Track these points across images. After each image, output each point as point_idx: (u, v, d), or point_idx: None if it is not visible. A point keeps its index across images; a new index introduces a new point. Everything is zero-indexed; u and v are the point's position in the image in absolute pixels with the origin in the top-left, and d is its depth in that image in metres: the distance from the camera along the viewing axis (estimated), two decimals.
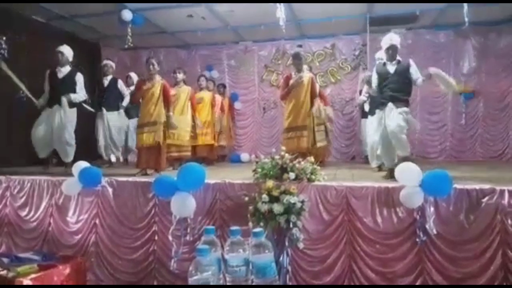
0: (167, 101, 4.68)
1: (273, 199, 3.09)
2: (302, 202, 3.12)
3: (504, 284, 2.92)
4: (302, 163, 3.47)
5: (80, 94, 5.02)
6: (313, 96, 5.09)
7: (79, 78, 5.03)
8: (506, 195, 2.98)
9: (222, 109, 7.09)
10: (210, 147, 6.53)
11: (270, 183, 3.19)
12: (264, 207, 3.06)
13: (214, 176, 3.87)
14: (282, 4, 5.05)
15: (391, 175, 3.72)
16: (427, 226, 3.03)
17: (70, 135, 4.92)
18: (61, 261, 3.46)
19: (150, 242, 3.71)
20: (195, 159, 5.61)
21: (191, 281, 1.63)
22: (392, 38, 4.06)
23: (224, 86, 7.70)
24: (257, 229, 1.85)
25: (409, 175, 3.10)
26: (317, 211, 3.32)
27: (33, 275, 3.11)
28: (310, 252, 3.27)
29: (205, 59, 8.34)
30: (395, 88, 3.94)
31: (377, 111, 4.17)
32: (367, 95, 5.47)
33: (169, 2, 5.65)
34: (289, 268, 3.19)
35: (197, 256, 1.65)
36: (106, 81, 5.93)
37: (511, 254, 2.93)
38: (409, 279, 3.10)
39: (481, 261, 2.98)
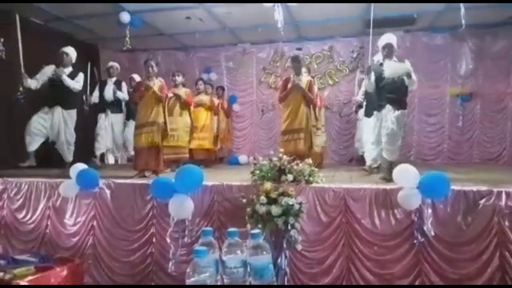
0: (160, 98, 4.61)
1: (271, 201, 3.09)
2: (300, 204, 3.13)
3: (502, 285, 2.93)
4: (300, 165, 3.47)
5: (75, 84, 4.97)
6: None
7: (80, 77, 5.05)
8: (503, 196, 3.00)
9: (216, 111, 7.07)
10: (208, 150, 6.53)
11: (268, 185, 3.20)
12: (262, 209, 3.06)
13: (212, 178, 3.87)
14: (280, 6, 5.06)
15: (387, 177, 3.72)
16: (424, 228, 3.04)
17: (71, 135, 4.93)
18: (58, 263, 3.44)
19: (148, 244, 3.71)
20: (193, 161, 5.60)
21: (189, 282, 1.62)
22: (388, 37, 4.07)
23: (222, 88, 7.70)
24: (255, 231, 1.85)
25: (406, 177, 3.11)
26: (315, 213, 3.32)
27: (30, 277, 3.09)
28: (308, 254, 3.27)
29: (203, 61, 8.35)
30: (391, 90, 3.93)
31: (375, 113, 4.15)
32: (363, 96, 5.48)
33: (167, 2, 5.64)
34: (287, 270, 3.19)
35: (194, 257, 1.64)
36: (111, 82, 5.94)
37: (508, 255, 2.94)
38: (407, 280, 3.10)
39: (479, 263, 2.99)
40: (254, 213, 3.10)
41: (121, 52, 7.78)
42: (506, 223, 2.97)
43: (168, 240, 3.42)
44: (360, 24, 6.82)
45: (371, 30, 4.36)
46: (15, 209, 4.17)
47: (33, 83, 4.84)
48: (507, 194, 3.00)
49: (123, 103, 6.09)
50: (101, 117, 5.90)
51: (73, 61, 5.05)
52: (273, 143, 7.52)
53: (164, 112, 4.73)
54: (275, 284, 1.83)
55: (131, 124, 6.08)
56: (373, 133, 4.17)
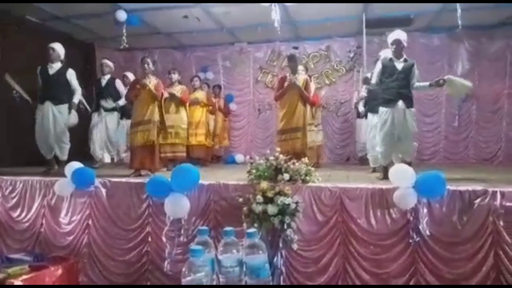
0: (155, 95, 4.61)
1: (268, 200, 3.09)
2: (296, 203, 3.13)
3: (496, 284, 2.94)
4: (297, 164, 3.47)
5: (78, 92, 4.98)
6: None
7: (71, 73, 4.98)
8: (498, 196, 3.01)
9: (213, 110, 7.06)
10: (205, 148, 6.52)
11: (264, 184, 3.19)
12: (258, 208, 3.05)
13: (209, 177, 3.86)
14: (277, 5, 5.06)
15: (385, 176, 3.73)
16: (420, 227, 3.05)
17: (62, 132, 4.88)
18: (53, 262, 3.43)
19: (143, 243, 3.69)
20: (190, 160, 5.60)
21: (184, 282, 1.62)
22: (397, 33, 4.08)
23: (219, 87, 7.69)
24: (251, 230, 1.84)
25: (402, 176, 3.11)
26: (311, 212, 3.32)
27: (24, 276, 3.08)
28: (304, 253, 3.27)
29: (200, 60, 8.33)
30: (403, 85, 3.96)
31: (382, 108, 4.11)
32: (365, 92, 5.48)
33: (164, 2, 5.62)
34: (283, 269, 3.20)
35: (190, 257, 1.64)
36: (104, 80, 5.91)
37: (503, 255, 2.95)
38: (402, 280, 3.11)
39: (474, 262, 3.00)
40: (250, 212, 3.10)
41: (118, 51, 7.74)
42: (501, 222, 2.98)
43: (164, 239, 3.41)
44: (356, 24, 6.83)
45: (364, 27, 4.38)
46: (9, 208, 4.15)
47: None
48: (502, 194, 3.01)
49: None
50: (95, 116, 5.87)
51: (61, 57, 4.99)
52: (270, 143, 7.52)
53: (160, 110, 4.72)
54: (271, 283, 1.83)
55: (125, 123, 6.08)
56: (380, 131, 4.11)
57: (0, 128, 5.75)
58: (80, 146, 5.84)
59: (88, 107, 5.80)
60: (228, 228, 1.83)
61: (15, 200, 4.15)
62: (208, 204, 3.56)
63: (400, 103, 3.93)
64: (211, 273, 1.74)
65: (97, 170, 4.43)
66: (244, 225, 3.07)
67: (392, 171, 3.20)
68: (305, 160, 3.59)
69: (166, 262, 3.36)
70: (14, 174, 4.36)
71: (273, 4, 5.07)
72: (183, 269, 1.63)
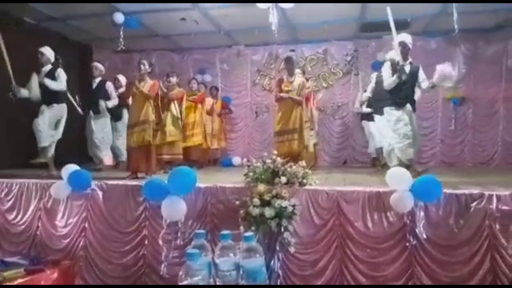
0: (148, 95, 4.61)
1: (265, 203, 3.09)
2: (293, 206, 3.13)
3: None
4: (294, 167, 3.48)
5: (59, 84, 4.97)
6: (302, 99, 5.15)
7: (59, 72, 5.01)
8: (495, 200, 3.02)
9: (210, 112, 7.08)
10: (202, 150, 6.51)
11: (261, 187, 3.19)
12: (255, 211, 3.05)
13: (206, 179, 3.86)
14: (275, 8, 5.08)
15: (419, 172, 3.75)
16: (417, 231, 3.06)
17: (44, 123, 4.89)
18: (49, 266, 3.41)
19: (140, 246, 3.68)
20: (186, 162, 5.59)
21: None
22: (402, 36, 4.14)
23: (216, 89, 7.70)
24: (248, 233, 1.84)
25: (399, 179, 3.12)
26: (308, 215, 3.32)
27: (19, 280, 3.07)
28: (301, 256, 3.27)
29: (197, 63, 8.33)
30: (410, 89, 4.01)
31: (389, 108, 4.13)
32: (370, 93, 5.50)
33: (162, 2, 5.61)
34: (280, 272, 3.19)
35: (187, 260, 1.63)
36: (95, 83, 5.90)
37: (499, 258, 2.96)
38: (399, 283, 3.11)
39: (470, 265, 3.01)
40: (248, 215, 3.10)
41: (115, 52, 7.74)
42: (497, 226, 2.99)
43: (160, 242, 3.41)
44: (354, 28, 6.87)
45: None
46: (5, 210, 4.12)
47: (25, 93, 4.91)
48: (498, 197, 3.02)
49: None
50: (88, 120, 5.87)
51: (51, 60, 5.06)
52: (267, 145, 7.51)
53: (158, 111, 4.73)
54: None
55: (119, 126, 6.06)
56: (393, 130, 4.14)
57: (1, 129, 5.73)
58: (79, 149, 5.83)
59: (79, 109, 5.79)
60: (225, 232, 1.82)
61: (10, 202, 4.12)
62: (205, 207, 3.55)
63: (408, 106, 3.97)
64: (208, 277, 1.73)
65: (93, 173, 4.42)
66: (241, 228, 3.06)
67: (389, 175, 3.21)
68: (302, 163, 3.59)
69: (162, 265, 3.35)
70: (10, 176, 4.34)
71: (270, 7, 5.09)
72: (180, 273, 1.62)
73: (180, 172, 3.35)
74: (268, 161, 3.47)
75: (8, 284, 2.99)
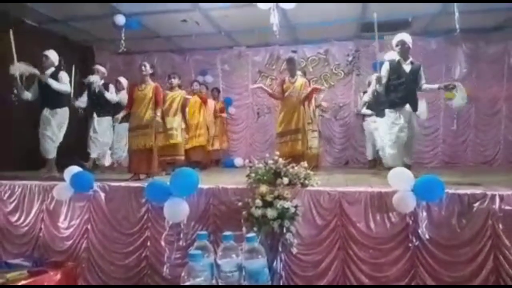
0: (157, 102, 4.67)
1: (267, 204, 3.08)
2: (296, 207, 3.13)
3: None
4: (296, 168, 3.47)
5: (62, 85, 4.97)
6: (305, 99, 5.16)
7: (62, 74, 5.03)
8: (497, 199, 3.01)
9: (215, 114, 7.10)
10: (204, 151, 6.52)
11: (263, 188, 3.19)
12: (257, 212, 3.05)
13: (208, 181, 3.86)
14: (275, 9, 5.08)
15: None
16: (419, 231, 3.05)
17: (52, 131, 4.92)
18: (52, 267, 3.42)
19: (142, 247, 3.68)
20: (188, 163, 5.59)
21: None
22: (401, 35, 4.12)
23: (218, 90, 7.72)
24: (250, 234, 1.84)
25: (401, 180, 3.12)
26: (311, 216, 3.32)
27: (23, 282, 3.07)
28: (303, 257, 3.26)
29: (199, 64, 8.35)
30: (411, 89, 3.95)
31: (388, 110, 4.10)
32: (368, 97, 5.48)
33: (162, 2, 5.62)
34: (282, 273, 3.19)
35: (189, 261, 1.64)
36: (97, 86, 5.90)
37: (502, 258, 2.95)
38: (402, 283, 3.10)
39: (473, 266, 3.00)
40: (250, 216, 3.09)
41: (116, 54, 7.76)
42: (500, 226, 2.98)
43: (163, 243, 3.40)
44: (355, 28, 6.87)
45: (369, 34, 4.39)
46: (8, 212, 4.13)
47: (29, 95, 4.96)
48: (501, 197, 3.01)
49: (110, 107, 6.04)
50: (90, 121, 5.87)
51: (55, 63, 5.08)
52: (269, 146, 7.52)
53: (161, 113, 4.74)
54: None
55: (120, 128, 6.07)
56: (390, 132, 4.08)
57: (2, 131, 5.74)
58: (79, 149, 5.83)
59: (80, 104, 5.81)
60: (227, 233, 1.83)
61: (13, 204, 4.13)
62: (207, 208, 3.55)
63: (407, 106, 3.94)
64: (210, 278, 1.74)
65: (96, 174, 4.43)
66: (244, 229, 3.06)
67: (391, 175, 3.20)
68: (304, 164, 3.59)
69: (165, 267, 3.34)
70: (12, 178, 4.35)
71: (271, 7, 5.10)
72: (182, 274, 1.62)
73: (182, 174, 3.35)
74: (270, 162, 3.47)
75: (11, 285, 2.99)
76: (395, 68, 4.07)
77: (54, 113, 4.97)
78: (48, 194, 3.99)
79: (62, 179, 3.82)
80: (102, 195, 3.83)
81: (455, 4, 5.16)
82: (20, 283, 3.03)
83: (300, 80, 5.16)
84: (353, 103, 7.52)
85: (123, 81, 6.33)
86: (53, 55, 5.04)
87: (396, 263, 3.13)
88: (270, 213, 3.03)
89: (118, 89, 6.20)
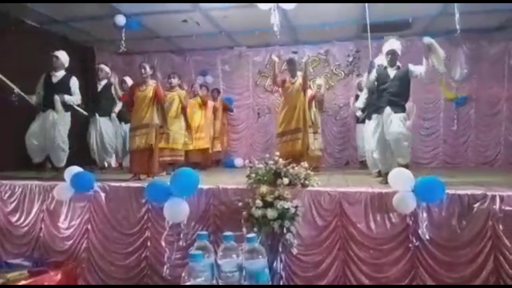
0: (159, 99, 4.67)
1: (267, 205, 3.09)
2: (296, 207, 3.13)
3: None
4: (296, 168, 3.47)
5: (75, 97, 4.94)
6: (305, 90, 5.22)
7: (74, 82, 4.94)
8: (498, 200, 3.01)
9: (214, 114, 7.10)
10: (204, 152, 6.52)
11: (264, 188, 3.20)
12: (258, 213, 3.05)
13: (208, 181, 3.86)
14: (276, 9, 5.09)
15: (387, 180, 3.74)
16: (419, 232, 3.06)
17: (63, 140, 4.80)
18: (52, 267, 3.42)
19: (142, 247, 3.68)
20: (189, 164, 5.59)
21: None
22: (392, 44, 4.14)
23: (218, 91, 7.71)
24: (251, 235, 1.84)
25: (401, 180, 3.12)
26: (311, 217, 3.32)
27: (23, 282, 3.07)
28: (303, 257, 3.27)
29: (199, 64, 8.34)
30: (394, 93, 4.00)
31: (374, 115, 4.18)
32: (364, 101, 5.51)
33: (162, 2, 5.62)
34: (283, 273, 3.19)
35: (190, 262, 1.63)
36: (100, 85, 5.90)
37: (502, 259, 2.95)
38: (402, 284, 3.10)
39: (473, 266, 3.00)
40: (250, 216, 3.10)
41: (117, 54, 7.76)
42: (500, 226, 2.98)
43: (163, 243, 3.41)
44: (356, 28, 6.87)
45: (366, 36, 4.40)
46: (8, 212, 4.13)
47: (35, 98, 4.87)
48: (501, 198, 3.01)
49: (114, 107, 6.05)
50: (91, 122, 5.86)
51: (66, 64, 4.98)
52: (269, 146, 7.52)
53: (162, 113, 4.74)
54: None
55: (126, 128, 6.08)
56: (372, 137, 4.19)
57: (3, 131, 5.74)
58: (82, 151, 5.84)
59: (84, 112, 5.79)
60: (227, 233, 1.82)
61: (14, 204, 4.14)
62: (208, 208, 3.55)
63: (388, 109, 3.97)
64: (211, 278, 1.73)
65: (97, 175, 4.43)
66: (244, 229, 3.06)
67: (391, 175, 3.21)
68: (305, 164, 3.59)
69: (165, 267, 3.35)
70: (13, 178, 4.35)
71: (272, 8, 5.10)
72: (183, 274, 1.62)
73: (182, 174, 3.35)
74: (270, 162, 3.48)
75: (12, 285, 2.99)
76: (381, 74, 4.15)
77: (61, 117, 4.82)
78: (49, 194, 4.00)
79: (63, 179, 3.82)
80: (103, 195, 3.83)
81: (456, 4, 5.15)
82: (20, 283, 3.03)
83: (298, 80, 5.20)
84: (352, 103, 7.52)
85: (129, 81, 6.33)
86: (63, 56, 4.95)
87: (396, 264, 3.13)
88: (271, 213, 3.03)
89: (124, 89, 6.20)
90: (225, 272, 1.72)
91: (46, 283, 3.22)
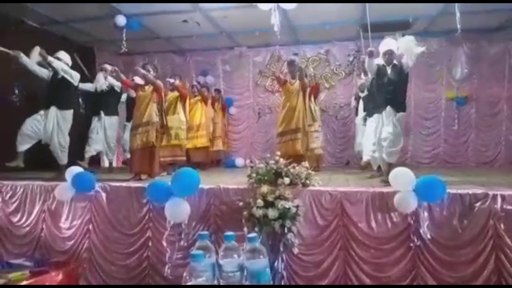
0: (159, 97, 4.69)
1: (268, 204, 3.09)
2: (297, 207, 3.13)
3: None
4: (297, 168, 3.47)
5: (72, 73, 4.89)
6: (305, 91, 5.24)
7: (74, 72, 4.95)
8: (499, 199, 3.01)
9: (213, 105, 7.10)
10: (205, 152, 6.52)
11: (265, 188, 3.20)
12: (259, 212, 3.06)
13: (209, 181, 3.86)
14: (276, 9, 5.09)
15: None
16: (421, 231, 3.05)
17: (64, 138, 4.82)
18: (53, 267, 3.43)
19: (144, 247, 3.69)
20: (189, 164, 5.59)
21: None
22: (388, 43, 4.16)
23: (219, 91, 7.72)
24: (252, 235, 1.84)
25: (403, 180, 3.12)
26: (312, 216, 3.32)
27: (25, 282, 3.08)
28: (304, 257, 3.27)
29: (199, 64, 8.35)
30: (392, 91, 4.01)
31: (375, 115, 4.21)
32: (362, 95, 5.54)
33: (162, 2, 5.62)
34: (284, 273, 3.19)
35: (191, 261, 1.63)
36: (105, 85, 5.90)
37: (504, 258, 2.95)
38: (403, 284, 3.10)
39: (475, 266, 3.00)
40: (251, 216, 3.10)
41: (117, 55, 7.76)
42: (502, 226, 2.98)
43: (164, 243, 3.41)
44: (356, 28, 6.85)
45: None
46: (9, 213, 4.14)
47: (46, 72, 4.80)
48: (503, 197, 3.01)
49: (119, 106, 6.05)
50: (95, 119, 5.84)
51: (69, 64, 5.01)
52: (270, 146, 7.52)
53: (161, 112, 4.75)
54: None
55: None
56: (374, 135, 4.21)
57: (3, 131, 5.75)
58: (81, 150, 5.83)
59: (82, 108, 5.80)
60: (228, 233, 1.82)
61: (15, 205, 4.14)
62: (209, 208, 3.55)
63: (389, 108, 3.98)
64: (212, 278, 1.73)
65: (98, 174, 4.43)
66: (245, 229, 3.06)
67: (392, 175, 3.20)
68: (305, 163, 3.60)
69: (166, 267, 3.35)
70: (14, 178, 4.36)
71: (272, 8, 5.10)
72: (184, 274, 1.62)
73: (183, 174, 3.36)
74: (271, 162, 3.48)
75: (13, 285, 3.00)
76: (380, 73, 4.17)
77: (64, 114, 4.82)
78: (50, 194, 4.00)
79: (64, 180, 3.83)
80: (104, 195, 3.84)
81: (456, 4, 5.15)
82: (22, 283, 3.04)
83: (298, 80, 5.22)
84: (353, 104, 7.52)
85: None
86: (66, 57, 4.98)
87: (397, 263, 3.13)
88: (271, 213, 3.03)
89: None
90: (226, 272, 1.72)
91: (47, 283, 3.23)
